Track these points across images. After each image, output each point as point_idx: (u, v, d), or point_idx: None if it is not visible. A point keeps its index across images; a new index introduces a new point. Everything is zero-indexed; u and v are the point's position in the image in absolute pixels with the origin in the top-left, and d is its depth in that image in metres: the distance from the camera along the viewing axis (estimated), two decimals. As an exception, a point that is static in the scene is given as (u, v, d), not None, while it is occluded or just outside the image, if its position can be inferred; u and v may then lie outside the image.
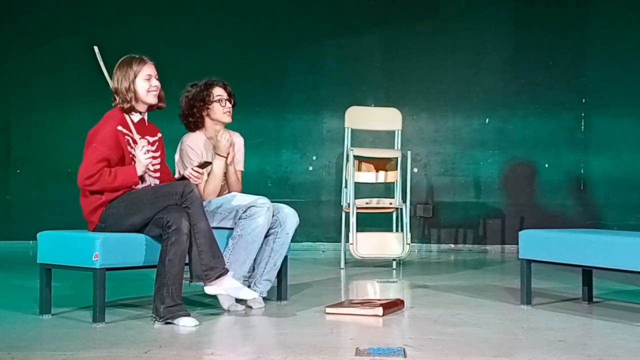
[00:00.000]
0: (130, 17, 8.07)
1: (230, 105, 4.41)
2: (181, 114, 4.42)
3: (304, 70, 8.06)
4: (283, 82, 8.05)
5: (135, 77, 3.91)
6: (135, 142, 3.90)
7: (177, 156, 4.41)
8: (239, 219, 4.08)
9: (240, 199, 4.14)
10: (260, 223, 4.06)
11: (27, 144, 8.11)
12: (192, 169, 3.99)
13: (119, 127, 3.85)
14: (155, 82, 3.96)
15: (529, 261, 4.22)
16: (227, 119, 4.40)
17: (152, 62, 3.99)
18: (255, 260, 4.20)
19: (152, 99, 3.95)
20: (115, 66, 3.98)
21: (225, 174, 4.37)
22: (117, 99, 3.93)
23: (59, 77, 8.06)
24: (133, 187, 3.86)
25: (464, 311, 4.12)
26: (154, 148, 3.99)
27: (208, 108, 4.36)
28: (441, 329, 3.61)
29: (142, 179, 3.89)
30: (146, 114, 4.02)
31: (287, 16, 8.09)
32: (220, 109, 4.37)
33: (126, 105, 3.91)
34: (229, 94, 4.43)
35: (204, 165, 4.05)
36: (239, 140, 4.55)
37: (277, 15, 8.10)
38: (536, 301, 4.35)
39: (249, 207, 4.07)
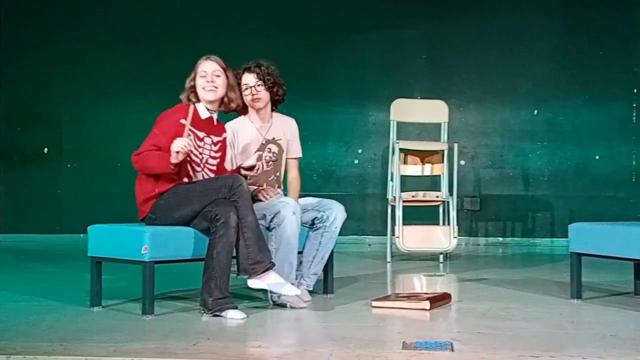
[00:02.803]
0: (172, 12, 8.14)
1: (256, 92, 4.25)
2: None
3: (349, 63, 8.05)
4: (328, 75, 8.04)
5: (196, 74, 3.96)
6: (200, 139, 3.92)
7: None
8: (269, 227, 4.03)
9: (269, 205, 4.05)
10: (289, 231, 3.98)
11: (78, 138, 8.25)
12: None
13: (182, 120, 3.89)
14: (211, 79, 3.94)
15: (579, 255, 4.16)
16: (256, 105, 4.28)
17: (214, 60, 3.98)
18: (302, 253, 4.21)
19: (207, 95, 3.96)
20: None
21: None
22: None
23: (108, 74, 8.18)
24: (174, 175, 3.85)
25: (512, 305, 4.08)
26: (216, 148, 4.02)
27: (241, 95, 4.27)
28: (489, 323, 3.58)
29: (192, 170, 3.89)
30: (216, 113, 4.04)
31: (331, 8, 8.08)
32: (247, 96, 4.28)
33: (185, 101, 3.96)
34: (262, 79, 4.25)
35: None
36: (290, 124, 4.47)
37: (321, 8, 8.09)
38: (586, 295, 4.29)
39: (276, 215, 4.00)
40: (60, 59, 8.24)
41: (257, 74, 4.27)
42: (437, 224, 6.56)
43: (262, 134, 4.35)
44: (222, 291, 3.70)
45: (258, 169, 4.02)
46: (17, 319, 3.68)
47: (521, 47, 7.91)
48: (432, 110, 6.81)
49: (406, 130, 7.26)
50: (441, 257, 6.34)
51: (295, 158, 4.46)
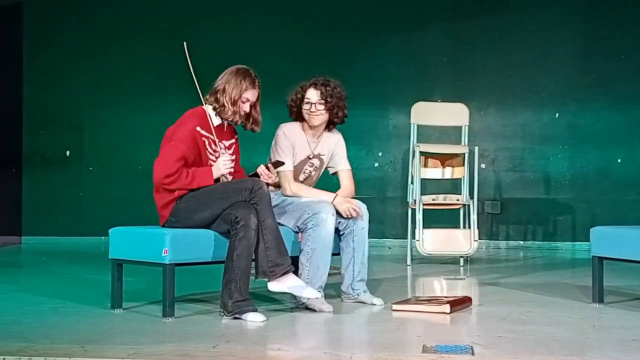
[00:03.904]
0: (194, 15, 8.17)
1: (315, 110, 4.22)
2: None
3: (370, 66, 8.04)
4: (349, 78, 7.96)
5: (241, 91, 3.93)
6: (215, 143, 3.93)
7: (273, 143, 4.31)
8: (305, 227, 4.05)
9: (308, 204, 4.09)
10: (327, 232, 4.02)
11: (99, 142, 8.31)
12: (264, 166, 3.98)
13: (198, 128, 3.90)
14: (246, 108, 3.97)
15: (601, 258, 4.13)
16: (313, 121, 4.26)
17: (259, 89, 4.01)
18: (341, 266, 4.26)
19: (231, 116, 3.97)
20: (231, 70, 4.00)
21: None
22: (212, 96, 3.95)
23: (129, 77, 8.23)
24: None
25: (533, 309, 4.05)
26: (231, 151, 4.03)
27: (300, 108, 4.27)
28: (510, 327, 3.56)
29: (216, 181, 3.93)
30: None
31: (352, 11, 8.08)
32: (306, 112, 4.26)
33: (216, 106, 3.94)
34: (324, 99, 4.22)
35: (276, 164, 4.05)
36: (335, 138, 4.41)
37: (341, 11, 8.09)
38: (608, 299, 4.25)
39: (315, 215, 4.03)
40: (82, 62, 8.30)
41: (322, 92, 4.25)
42: (458, 227, 6.53)
43: (311, 148, 4.33)
44: (242, 294, 3.71)
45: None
46: (38, 321, 3.71)
47: (543, 50, 7.87)
48: (452, 113, 6.79)
49: (427, 133, 7.23)
50: (462, 260, 6.31)
51: (343, 170, 4.43)
